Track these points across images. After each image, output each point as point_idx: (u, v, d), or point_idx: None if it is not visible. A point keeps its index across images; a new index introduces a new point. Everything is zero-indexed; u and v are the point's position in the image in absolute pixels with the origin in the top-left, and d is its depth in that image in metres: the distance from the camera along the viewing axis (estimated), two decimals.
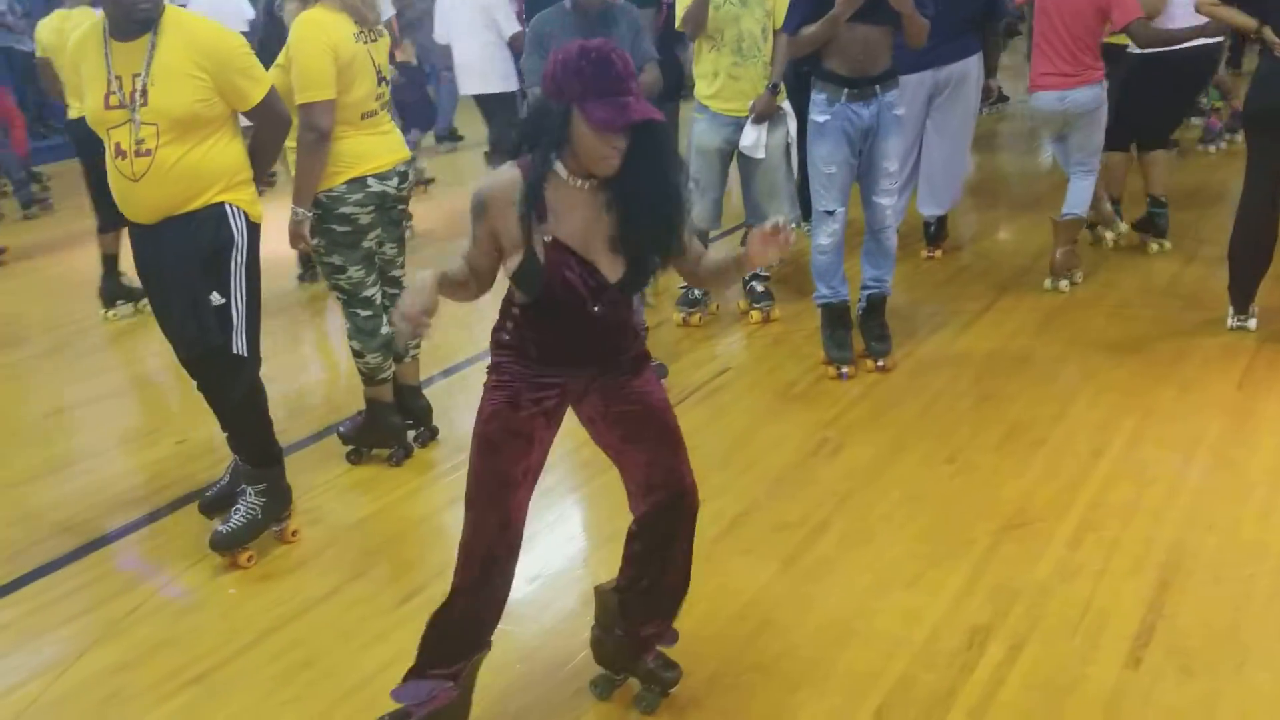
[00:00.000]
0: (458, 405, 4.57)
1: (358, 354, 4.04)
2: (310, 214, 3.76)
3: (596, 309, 2.39)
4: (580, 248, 2.36)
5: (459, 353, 5.15)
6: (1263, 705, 2.58)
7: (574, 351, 2.48)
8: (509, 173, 2.35)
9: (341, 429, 4.22)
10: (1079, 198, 5.39)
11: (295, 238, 3.80)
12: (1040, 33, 5.19)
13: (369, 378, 4.08)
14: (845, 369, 4.56)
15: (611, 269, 2.39)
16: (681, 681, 2.76)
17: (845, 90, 4.34)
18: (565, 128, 2.26)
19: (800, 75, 5.06)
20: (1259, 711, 2.57)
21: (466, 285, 2.46)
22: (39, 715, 2.90)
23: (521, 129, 2.38)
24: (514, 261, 2.36)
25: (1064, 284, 5.34)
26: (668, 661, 2.74)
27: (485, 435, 2.46)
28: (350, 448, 4.20)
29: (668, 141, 2.39)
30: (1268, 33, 4.35)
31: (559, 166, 2.33)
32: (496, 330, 2.51)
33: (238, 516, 3.52)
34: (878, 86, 4.35)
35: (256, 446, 3.56)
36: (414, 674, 2.58)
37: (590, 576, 3.27)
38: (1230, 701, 2.60)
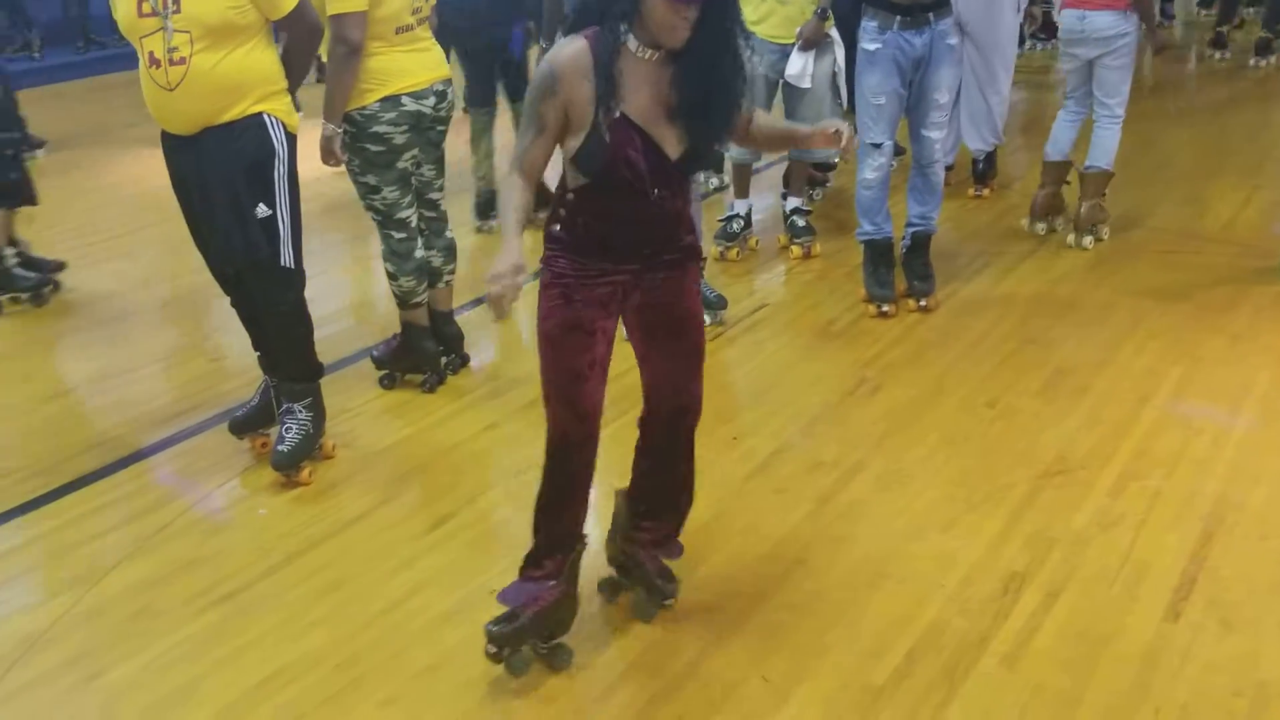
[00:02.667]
0: (490, 334, 4.53)
1: (391, 276, 3.99)
2: (340, 130, 3.70)
3: (656, 190, 2.38)
4: (645, 123, 2.33)
5: (476, 289, 5.09)
6: None
7: (628, 239, 2.45)
8: (575, 44, 2.31)
9: (375, 353, 4.19)
10: (1103, 147, 5.00)
11: (326, 154, 3.75)
12: None
13: (403, 301, 4.04)
14: (886, 307, 4.47)
15: (674, 146, 2.36)
16: (711, 618, 2.75)
17: (898, 17, 4.20)
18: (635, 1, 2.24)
19: (854, 1, 4.89)
20: None
21: (531, 201, 2.43)
22: (70, 627, 2.92)
23: (583, 6, 2.33)
24: (576, 140, 2.33)
25: (1087, 240, 5.03)
26: (669, 574, 2.80)
27: (546, 333, 2.49)
28: (383, 372, 4.17)
29: (736, 10, 2.34)
30: None
31: (630, 39, 2.29)
32: (548, 224, 2.50)
33: (292, 434, 3.51)
34: (931, 14, 4.21)
35: (301, 360, 3.55)
36: (519, 577, 2.64)
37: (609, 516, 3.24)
38: (1271, 658, 2.54)
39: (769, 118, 2.60)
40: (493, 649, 2.58)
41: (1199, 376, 3.84)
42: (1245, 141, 6.56)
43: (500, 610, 2.61)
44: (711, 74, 2.31)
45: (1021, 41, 6.03)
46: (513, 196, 2.39)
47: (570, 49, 2.30)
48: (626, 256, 2.47)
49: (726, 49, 2.31)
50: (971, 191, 5.86)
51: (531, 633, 2.60)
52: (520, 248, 2.31)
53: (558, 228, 2.47)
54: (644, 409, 2.71)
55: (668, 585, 2.79)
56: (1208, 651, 2.57)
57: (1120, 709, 2.43)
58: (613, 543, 2.86)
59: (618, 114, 2.30)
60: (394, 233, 3.92)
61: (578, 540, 2.66)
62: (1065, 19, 4.94)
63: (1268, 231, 4.93)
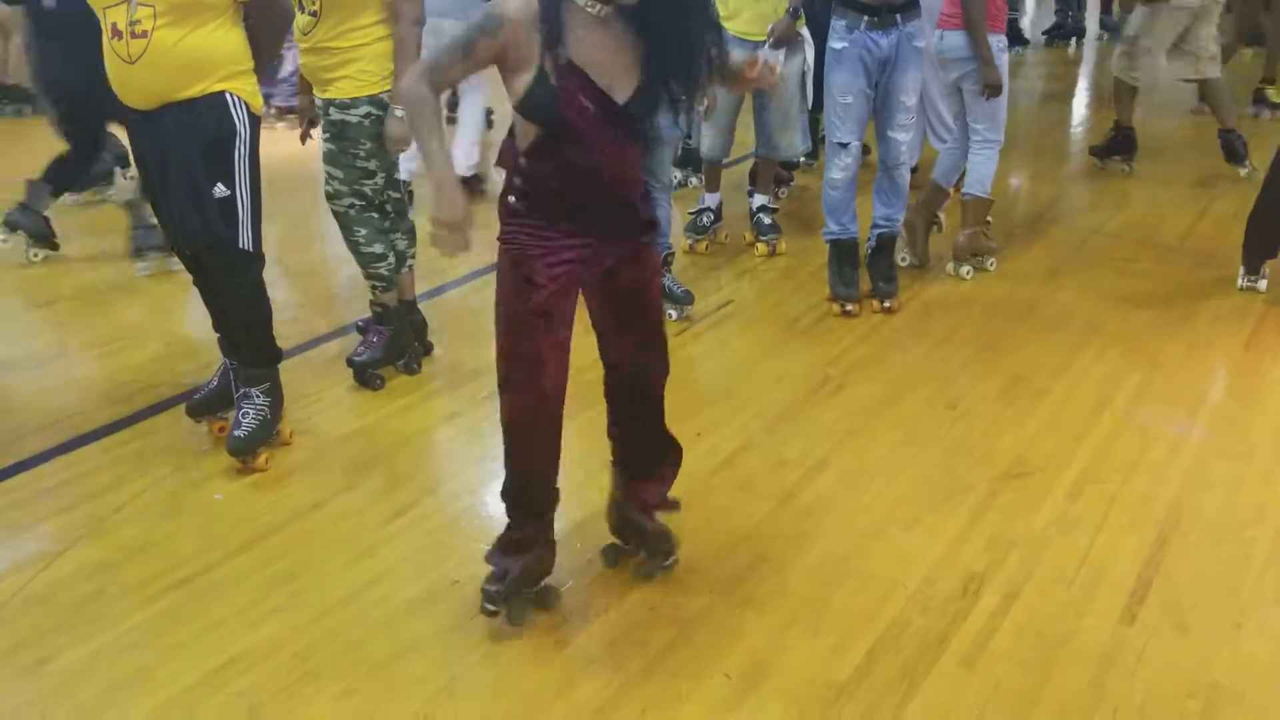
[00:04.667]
0: (447, 325, 4.49)
1: (375, 259, 3.93)
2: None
3: (611, 133, 2.38)
4: (591, 70, 2.34)
5: (448, 272, 5.07)
6: (1258, 667, 2.56)
7: (585, 194, 2.45)
8: None
9: (359, 358, 3.98)
10: (978, 174, 4.77)
11: (401, 139, 3.71)
12: None
13: (388, 284, 4.01)
14: (850, 307, 4.49)
15: (622, 92, 2.37)
16: (675, 613, 2.74)
17: (865, 17, 4.22)
18: None
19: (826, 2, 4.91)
20: (1253, 673, 2.55)
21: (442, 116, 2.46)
22: (19, 610, 2.85)
23: None
24: (522, 84, 2.33)
25: (965, 270, 4.86)
26: (666, 533, 2.89)
27: (507, 317, 2.50)
28: (375, 373, 4.00)
29: None
30: None
31: None
32: (502, 197, 2.50)
33: (249, 420, 3.45)
34: (899, 15, 4.24)
35: (259, 344, 3.50)
36: (498, 547, 2.72)
37: (583, 503, 3.22)
38: (1225, 661, 2.58)
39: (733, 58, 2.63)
40: (490, 607, 2.68)
41: (1156, 383, 3.90)
42: (1200, 154, 6.67)
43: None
44: (673, 29, 2.34)
45: None
46: (430, 118, 2.38)
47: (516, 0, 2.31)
48: (587, 220, 2.46)
49: (687, 4, 2.35)
50: None
51: (522, 585, 2.70)
52: (458, 184, 2.39)
53: (513, 199, 2.47)
54: (607, 377, 2.75)
55: (666, 543, 2.88)
56: (1162, 654, 2.61)
57: (1077, 709, 2.45)
58: (611, 512, 2.92)
59: (564, 62, 2.30)
60: (374, 214, 3.90)
61: (550, 509, 2.72)
62: (933, 39, 4.72)
63: (1223, 242, 5.01)
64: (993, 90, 4.58)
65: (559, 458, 2.68)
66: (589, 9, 2.33)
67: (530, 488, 2.68)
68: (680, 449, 2.87)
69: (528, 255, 2.45)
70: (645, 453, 2.83)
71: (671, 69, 2.39)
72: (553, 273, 2.46)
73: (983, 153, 4.76)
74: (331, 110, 3.73)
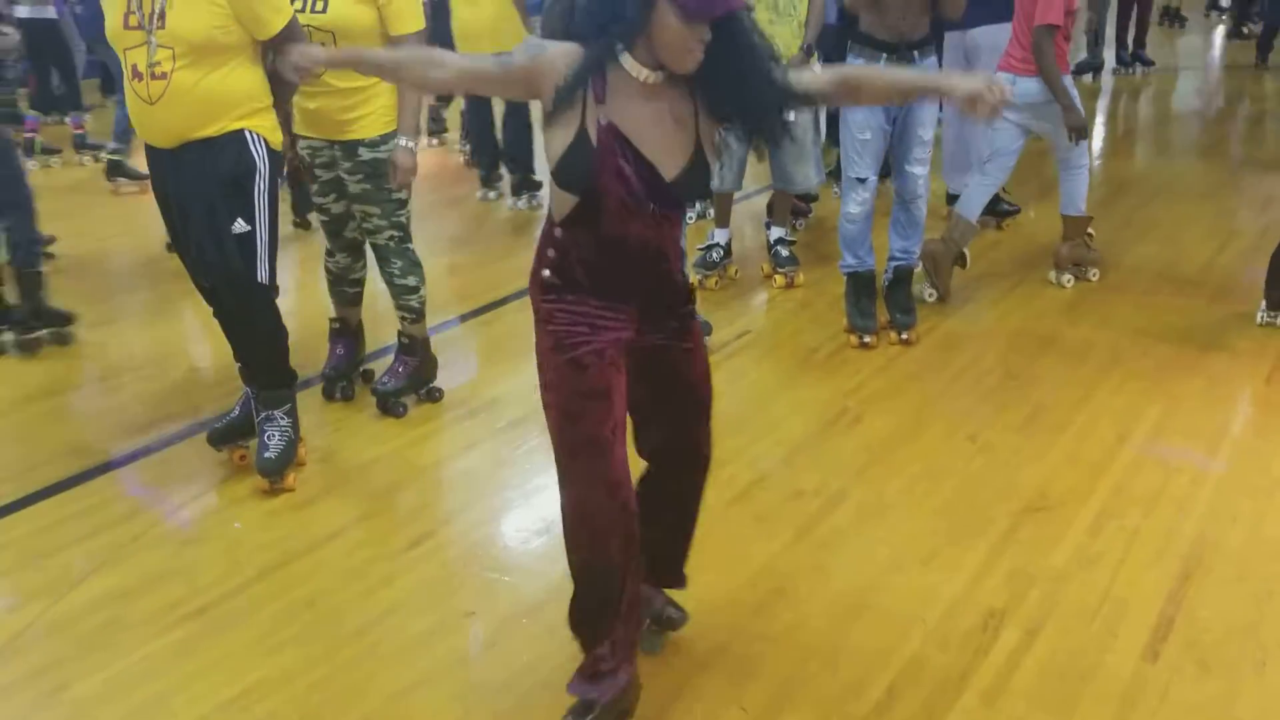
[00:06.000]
0: (467, 355, 4.52)
1: (414, 290, 4.00)
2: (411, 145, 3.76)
3: (652, 206, 2.23)
4: (634, 137, 2.18)
5: (474, 299, 5.09)
6: None
7: (625, 270, 2.28)
8: (569, 45, 2.18)
9: (384, 386, 4.02)
10: (1069, 195, 5.05)
11: (409, 171, 3.73)
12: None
13: (422, 313, 4.07)
14: (868, 338, 4.48)
15: (669, 166, 2.21)
16: (691, 646, 2.72)
17: (884, 55, 4.24)
18: (645, 17, 2.09)
19: (838, 36, 4.94)
20: (1277, 713, 2.51)
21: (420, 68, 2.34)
22: (36, 637, 2.86)
23: (585, 13, 2.17)
24: (562, 141, 2.18)
25: (1067, 279, 5.10)
26: (674, 604, 2.74)
27: (559, 405, 2.30)
28: (397, 400, 4.03)
29: (754, 32, 2.18)
30: None
31: (626, 59, 2.17)
32: (535, 273, 2.35)
33: (276, 440, 3.48)
34: (915, 52, 4.26)
35: (277, 369, 3.53)
36: (581, 675, 2.43)
37: None
38: (1248, 702, 2.55)
39: (866, 71, 2.44)
40: None
41: (1177, 417, 3.87)
42: (1218, 188, 6.66)
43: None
44: (733, 98, 2.19)
45: None
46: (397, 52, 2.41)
47: (564, 46, 2.18)
48: (625, 292, 2.31)
49: (747, 70, 2.16)
50: None
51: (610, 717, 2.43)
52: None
53: (548, 272, 2.31)
54: (649, 465, 2.55)
55: (677, 614, 2.73)
56: (1186, 693, 2.57)
57: None
58: None
59: (604, 122, 2.18)
60: (410, 246, 3.97)
61: (640, 625, 2.51)
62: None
63: (1242, 277, 4.99)
64: (1079, 134, 4.78)
65: (639, 553, 2.38)
66: (638, 76, 2.18)
67: (608, 590, 2.35)
68: (695, 524, 2.68)
69: (571, 335, 2.27)
70: (675, 542, 2.64)
71: (742, 132, 2.27)
72: (599, 348, 2.28)
73: (1075, 176, 5.00)
74: (361, 151, 3.73)
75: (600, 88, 2.17)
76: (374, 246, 3.95)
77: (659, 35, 2.11)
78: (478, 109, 6.81)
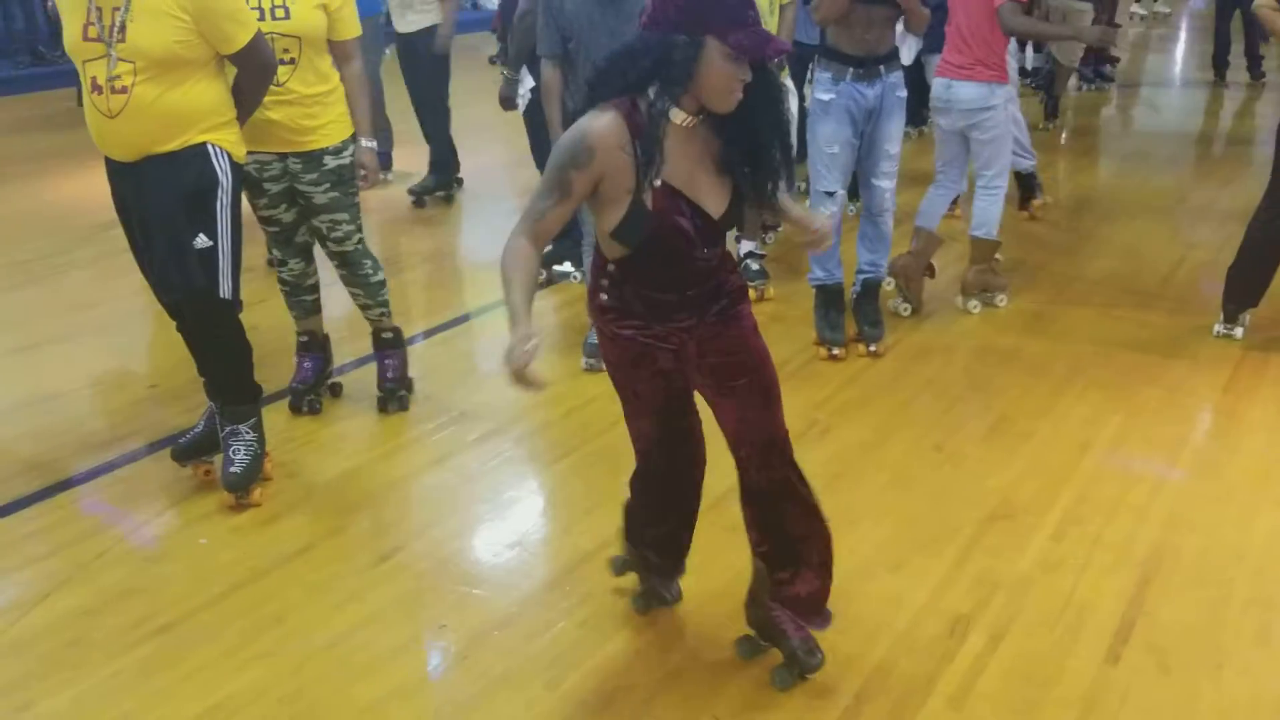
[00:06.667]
0: (437, 369, 4.52)
1: (384, 283, 4.10)
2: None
3: (705, 250, 2.35)
4: (685, 187, 2.27)
5: (443, 313, 5.09)
6: (1239, 708, 2.57)
7: (677, 298, 2.39)
8: (606, 115, 2.20)
9: (391, 382, 4.18)
10: (983, 216, 4.91)
11: (377, 169, 3.95)
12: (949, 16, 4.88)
13: (388, 307, 4.17)
14: (837, 351, 4.52)
15: (716, 205, 2.32)
16: (663, 655, 2.73)
17: (851, 69, 4.29)
18: (694, 63, 2.15)
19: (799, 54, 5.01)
20: (1235, 713, 2.56)
21: (538, 273, 2.34)
22: (1, 655, 2.82)
23: (634, 65, 2.20)
24: (615, 213, 2.24)
25: (974, 305, 4.99)
26: (812, 645, 2.62)
27: (644, 414, 2.57)
28: (402, 393, 4.21)
29: (775, 70, 2.35)
30: None
31: (672, 109, 2.22)
32: (593, 295, 2.44)
33: (241, 455, 3.46)
34: (882, 66, 4.32)
35: (241, 384, 3.51)
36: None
37: (573, 546, 3.23)
38: (1207, 702, 2.59)
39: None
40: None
41: (1137, 426, 3.94)
42: (1177, 202, 6.78)
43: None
44: (766, 131, 2.29)
45: None
46: (520, 273, 2.23)
47: (604, 120, 2.20)
48: (683, 307, 2.41)
49: (776, 105, 2.30)
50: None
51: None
52: (527, 320, 2.18)
53: (604, 297, 2.42)
54: (737, 465, 2.59)
55: (809, 658, 2.60)
56: (1146, 694, 2.62)
57: None
58: (752, 606, 2.71)
59: (659, 183, 2.22)
60: (368, 259, 4.03)
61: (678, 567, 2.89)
62: (934, 86, 4.85)
63: (1200, 290, 5.08)
64: (1107, 40, 5.15)
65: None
66: (682, 123, 2.25)
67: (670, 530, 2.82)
68: (829, 538, 2.61)
69: (638, 345, 2.42)
70: (784, 538, 2.59)
71: (770, 171, 2.35)
72: (671, 350, 2.44)
73: (989, 197, 4.88)
74: (326, 159, 3.75)
75: (658, 152, 2.21)
76: (341, 254, 3.95)
77: (705, 77, 2.17)
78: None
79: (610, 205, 2.25)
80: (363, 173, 3.88)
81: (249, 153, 3.71)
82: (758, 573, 2.68)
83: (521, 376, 2.14)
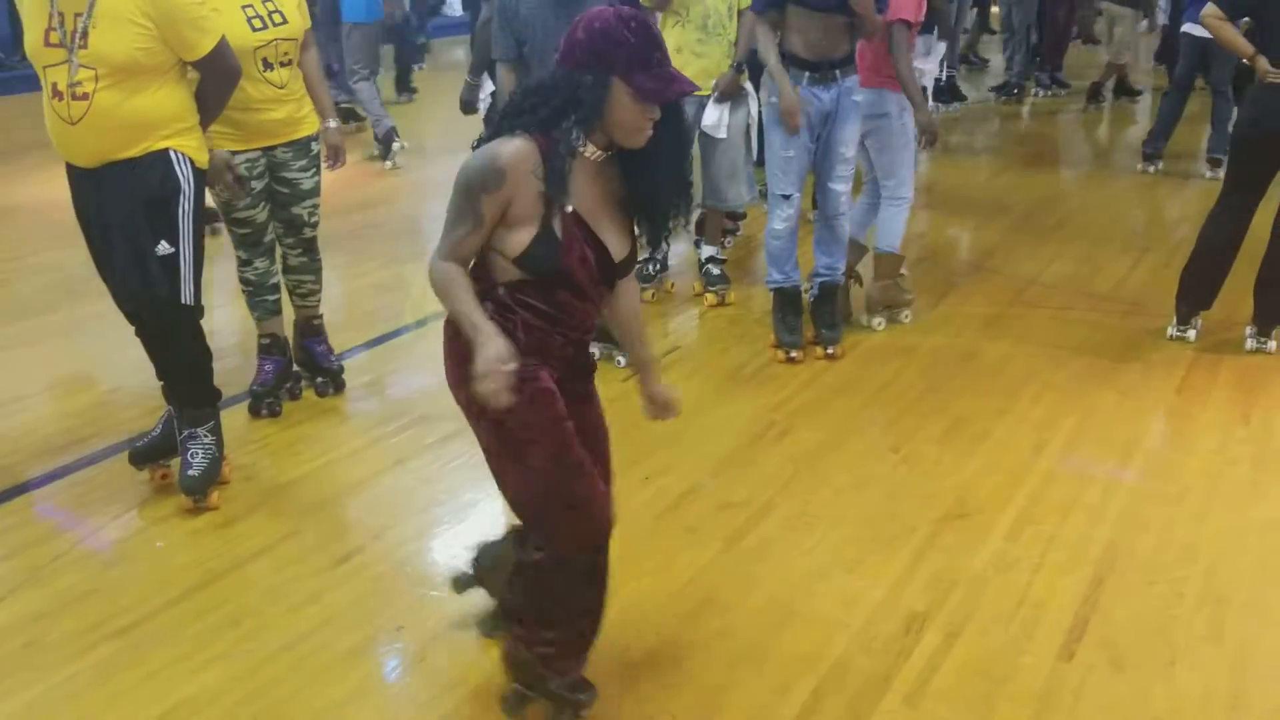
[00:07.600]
0: (390, 371, 4.52)
1: (321, 289, 4.23)
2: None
3: (602, 289, 2.34)
4: (591, 220, 2.26)
5: (402, 316, 5.08)
6: (1192, 704, 2.62)
7: (559, 338, 2.32)
8: (520, 141, 2.19)
9: (335, 367, 4.34)
10: (886, 230, 4.80)
11: (342, 149, 4.10)
12: None
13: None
14: (794, 353, 4.56)
15: (618, 246, 2.32)
16: (622, 655, 2.74)
17: (807, 73, 4.33)
18: (603, 103, 2.17)
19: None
20: (1187, 710, 2.60)
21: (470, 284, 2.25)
22: None
23: (545, 102, 2.20)
24: (523, 238, 2.20)
25: (878, 321, 4.90)
26: (576, 683, 2.52)
27: (533, 441, 2.31)
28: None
29: (683, 109, 2.40)
30: (1261, 62, 4.24)
31: (582, 143, 2.22)
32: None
33: (199, 458, 3.43)
34: (838, 71, 4.35)
35: (201, 389, 3.49)
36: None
37: None
38: (1160, 698, 2.64)
39: (634, 304, 2.52)
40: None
41: (1091, 428, 4.00)
42: (1132, 208, 6.90)
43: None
44: (668, 170, 2.30)
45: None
46: (457, 286, 2.20)
47: (515, 144, 2.18)
48: (553, 358, 2.33)
49: (680, 145, 2.34)
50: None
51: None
52: (498, 333, 2.14)
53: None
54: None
55: (580, 695, 2.52)
56: (1100, 691, 2.66)
57: None
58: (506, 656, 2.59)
59: (569, 211, 2.22)
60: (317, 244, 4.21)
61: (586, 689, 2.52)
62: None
63: (1154, 293, 5.17)
64: (931, 137, 4.73)
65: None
66: (587, 155, 2.24)
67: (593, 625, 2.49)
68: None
69: (529, 368, 2.25)
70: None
71: (669, 209, 2.36)
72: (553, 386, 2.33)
73: (891, 209, 4.80)
74: (313, 145, 3.93)
75: (565, 179, 2.20)
76: (307, 241, 4.07)
77: (613, 115, 2.19)
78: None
79: (517, 228, 2.21)
80: (331, 155, 4.05)
81: (237, 154, 3.72)
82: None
83: (495, 396, 2.10)
